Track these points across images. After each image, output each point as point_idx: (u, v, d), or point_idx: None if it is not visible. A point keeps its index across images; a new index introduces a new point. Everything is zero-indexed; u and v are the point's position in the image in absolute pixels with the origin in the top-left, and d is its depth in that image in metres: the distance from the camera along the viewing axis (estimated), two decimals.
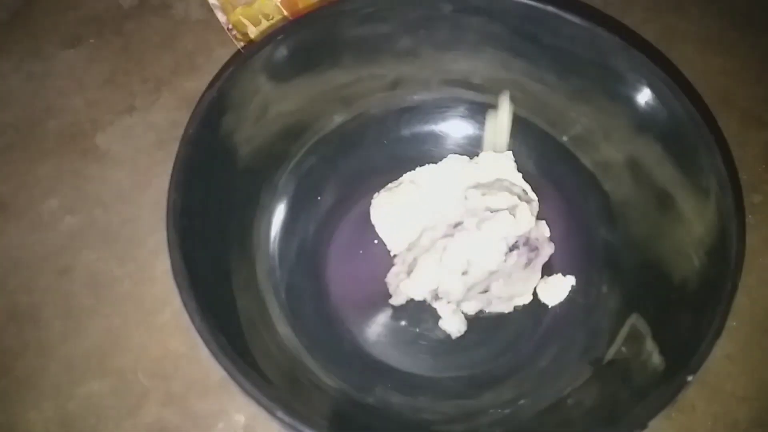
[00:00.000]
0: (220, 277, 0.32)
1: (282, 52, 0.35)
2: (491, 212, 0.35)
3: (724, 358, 0.37)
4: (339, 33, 0.36)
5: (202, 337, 0.27)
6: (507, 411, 0.34)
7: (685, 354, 0.28)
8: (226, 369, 0.26)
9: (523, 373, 0.36)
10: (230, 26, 0.47)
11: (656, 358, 0.31)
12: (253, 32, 0.47)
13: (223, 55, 0.49)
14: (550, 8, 0.35)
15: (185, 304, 0.27)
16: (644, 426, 0.26)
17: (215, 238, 0.33)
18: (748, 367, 0.37)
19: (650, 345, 0.32)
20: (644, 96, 0.34)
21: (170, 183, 0.30)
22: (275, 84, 0.35)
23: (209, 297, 0.29)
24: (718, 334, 0.27)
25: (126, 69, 0.49)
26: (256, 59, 0.34)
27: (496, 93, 0.40)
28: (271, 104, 0.36)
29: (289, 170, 0.39)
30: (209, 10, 0.47)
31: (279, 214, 0.38)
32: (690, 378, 0.26)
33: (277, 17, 0.47)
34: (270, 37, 0.34)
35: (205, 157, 0.32)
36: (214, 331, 0.27)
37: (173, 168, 0.31)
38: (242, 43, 0.47)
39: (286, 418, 0.25)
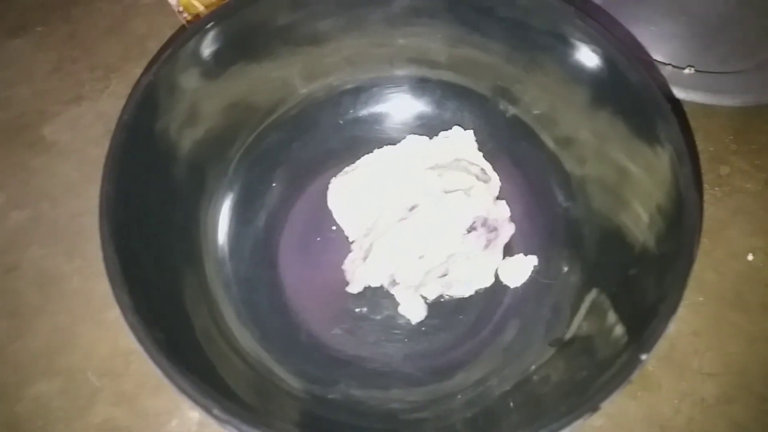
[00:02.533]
0: (166, 276, 0.31)
1: (216, 38, 0.33)
2: (447, 193, 0.34)
3: (690, 334, 0.36)
4: (274, 16, 0.35)
5: (135, 334, 0.25)
6: (474, 393, 0.33)
7: (647, 325, 0.27)
8: (159, 366, 0.25)
9: (487, 354, 0.35)
10: (180, 8, 0.46)
11: (618, 331, 0.30)
12: (203, 13, 0.45)
13: (175, 38, 0.47)
14: None
15: (117, 299, 0.26)
16: (596, 409, 0.25)
17: (157, 232, 0.31)
18: (715, 342, 0.36)
19: (612, 319, 0.31)
20: (600, 67, 0.32)
21: (103, 174, 0.29)
22: (214, 71, 0.34)
23: (152, 295, 0.28)
24: (673, 310, 0.26)
25: (74, 57, 0.47)
26: (187, 47, 0.32)
27: (453, 69, 0.38)
28: (212, 91, 0.34)
29: (239, 158, 0.37)
30: None
31: (228, 203, 0.37)
32: (643, 357, 0.25)
33: None
34: (200, 24, 0.33)
35: (142, 146, 0.31)
36: (150, 329, 0.26)
37: (106, 158, 0.29)
38: None
39: (223, 416, 0.24)
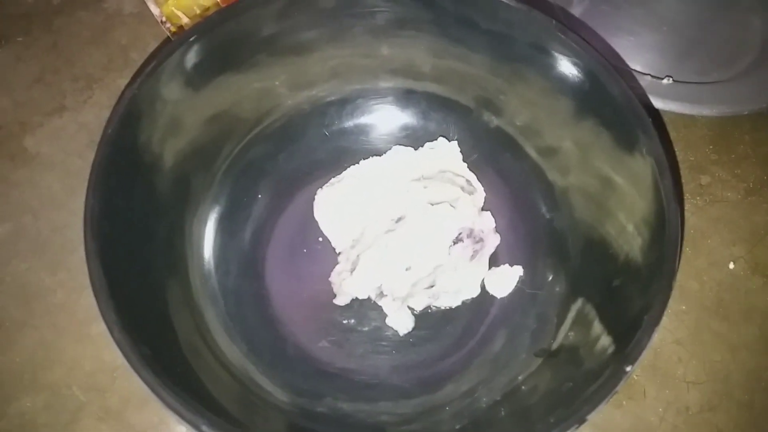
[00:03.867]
0: (151, 289, 0.31)
1: (200, 50, 0.33)
2: (433, 205, 0.34)
3: (674, 342, 0.37)
4: (258, 27, 0.35)
5: (121, 350, 0.25)
6: (463, 405, 0.34)
7: (632, 336, 0.28)
8: (146, 382, 0.25)
9: (475, 365, 0.35)
10: (164, 18, 0.45)
11: (604, 342, 0.30)
12: (188, 24, 0.45)
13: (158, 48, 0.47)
14: None
15: (103, 316, 0.26)
16: (583, 421, 0.25)
17: (142, 245, 0.31)
18: (698, 351, 0.37)
19: (597, 329, 0.31)
20: (581, 79, 0.33)
21: (88, 188, 0.29)
22: (198, 82, 0.34)
23: (137, 310, 0.28)
24: (656, 321, 0.26)
25: (56, 67, 0.47)
26: (171, 60, 0.32)
27: (438, 81, 0.38)
28: (196, 103, 0.34)
29: (224, 170, 0.37)
30: (142, 2, 0.45)
31: (214, 215, 0.37)
32: (628, 368, 0.26)
33: (213, 8, 0.45)
34: (184, 37, 0.33)
35: (126, 160, 0.31)
36: (136, 344, 0.26)
37: (91, 171, 0.29)
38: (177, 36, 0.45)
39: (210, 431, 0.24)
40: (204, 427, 0.24)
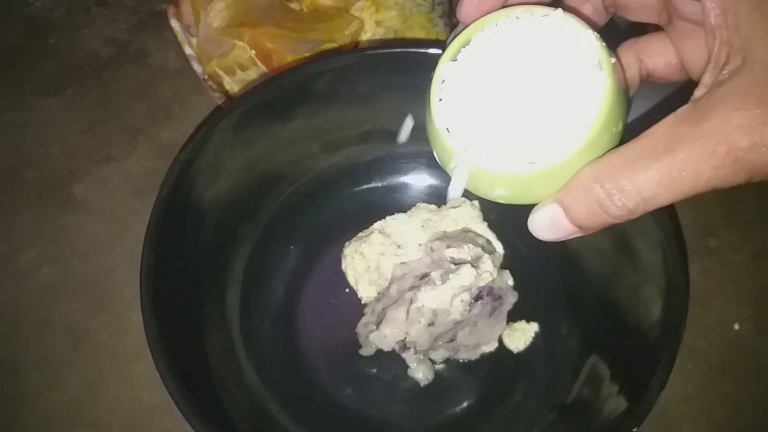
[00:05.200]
0: (193, 334, 0.34)
1: (251, 112, 0.36)
2: (455, 264, 0.37)
3: (681, 399, 0.39)
4: (308, 91, 0.38)
5: (173, 398, 0.28)
6: None
7: (640, 397, 0.30)
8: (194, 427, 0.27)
9: (493, 417, 0.37)
10: (206, 76, 0.49)
11: (615, 399, 0.32)
12: (228, 83, 0.48)
13: (199, 103, 0.50)
14: None
15: (158, 367, 0.28)
16: None
17: (189, 295, 0.34)
18: (704, 407, 0.39)
19: (609, 386, 0.33)
20: None
21: (144, 245, 0.32)
22: (245, 144, 0.37)
23: (182, 356, 0.31)
24: (662, 386, 0.28)
25: (104, 118, 0.50)
26: (225, 122, 0.35)
27: None
28: (240, 165, 0.37)
29: (264, 222, 0.40)
30: (186, 60, 0.48)
31: (252, 265, 0.39)
32: (635, 430, 0.28)
33: (253, 68, 0.48)
34: (239, 99, 0.36)
35: (179, 218, 0.34)
36: (186, 394, 0.28)
37: (147, 229, 0.32)
38: (218, 93, 0.48)
39: None
40: None
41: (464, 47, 0.27)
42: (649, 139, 0.22)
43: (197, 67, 0.48)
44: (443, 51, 0.27)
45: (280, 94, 0.37)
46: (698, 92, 0.23)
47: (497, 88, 0.25)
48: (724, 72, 0.22)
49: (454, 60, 0.27)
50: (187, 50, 0.48)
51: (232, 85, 0.48)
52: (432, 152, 0.42)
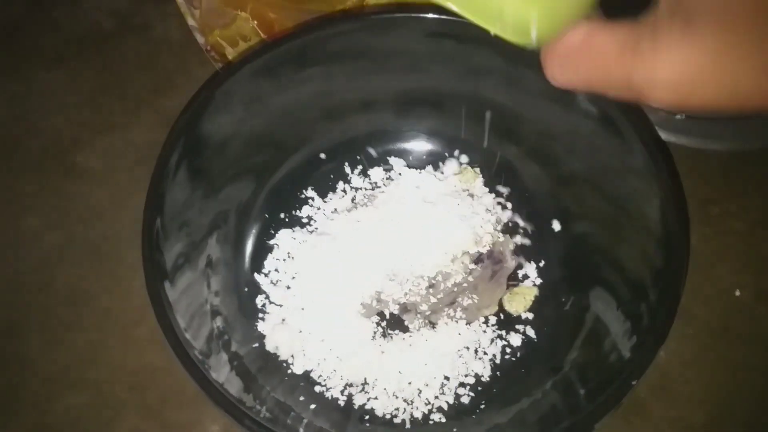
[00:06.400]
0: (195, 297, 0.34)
1: (253, 76, 0.36)
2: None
3: (680, 364, 0.39)
4: (309, 54, 0.38)
5: (176, 353, 0.28)
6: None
7: (639, 353, 0.30)
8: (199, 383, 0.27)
9: (490, 381, 0.37)
10: (209, 47, 0.49)
11: (614, 358, 0.33)
12: (231, 53, 0.48)
13: (202, 74, 0.50)
14: None
15: (160, 323, 0.29)
16: (590, 429, 0.27)
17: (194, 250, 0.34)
18: (704, 372, 0.39)
19: (608, 346, 0.34)
20: (596, 115, 0.35)
21: (146, 204, 0.32)
22: (247, 106, 0.37)
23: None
24: (661, 341, 0.29)
25: (106, 89, 0.50)
26: (227, 84, 0.35)
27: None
28: (244, 125, 0.37)
29: (268, 189, 0.40)
30: (188, 31, 0.48)
31: (257, 227, 0.40)
32: (634, 382, 0.28)
33: (255, 39, 0.48)
34: (241, 61, 0.36)
35: (181, 177, 0.34)
36: (187, 349, 0.28)
37: (148, 193, 0.32)
38: (220, 64, 0.48)
39: (254, 427, 0.26)
40: (247, 421, 0.27)
41: None
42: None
43: (200, 38, 0.48)
44: None
45: (279, 57, 0.37)
46: None
47: None
48: None
49: None
50: (190, 21, 0.48)
51: (235, 55, 0.48)
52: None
